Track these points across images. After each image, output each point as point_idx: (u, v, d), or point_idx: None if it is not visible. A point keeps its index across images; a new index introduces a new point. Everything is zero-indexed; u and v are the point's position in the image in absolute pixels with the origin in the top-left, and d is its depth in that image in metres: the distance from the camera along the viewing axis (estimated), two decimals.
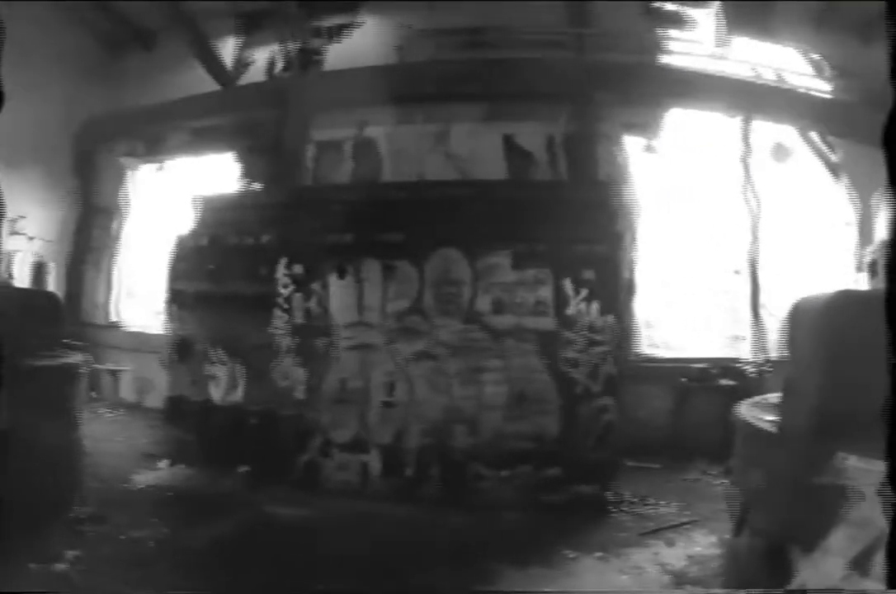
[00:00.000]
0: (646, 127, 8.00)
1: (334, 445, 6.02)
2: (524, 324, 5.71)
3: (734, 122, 8.35)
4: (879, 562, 2.41)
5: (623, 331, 5.72)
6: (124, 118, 9.95)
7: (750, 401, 4.40)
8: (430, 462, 5.78)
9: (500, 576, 4.38)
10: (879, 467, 1.56)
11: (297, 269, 6.24)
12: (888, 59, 1.52)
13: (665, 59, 8.45)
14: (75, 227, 10.27)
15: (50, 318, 5.61)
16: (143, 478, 6.16)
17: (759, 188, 8.25)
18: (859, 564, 2.75)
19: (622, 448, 5.87)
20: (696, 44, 8.52)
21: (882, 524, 2.17)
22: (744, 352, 8.24)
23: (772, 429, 3.66)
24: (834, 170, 8.51)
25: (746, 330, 8.34)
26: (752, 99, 8.22)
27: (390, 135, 8.02)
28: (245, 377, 6.47)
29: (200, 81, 9.30)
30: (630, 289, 5.72)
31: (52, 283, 9.42)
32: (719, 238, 8.49)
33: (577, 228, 5.70)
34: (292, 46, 9.17)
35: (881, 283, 1.61)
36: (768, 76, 8.66)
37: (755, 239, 8.14)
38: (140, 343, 8.74)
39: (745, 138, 8.27)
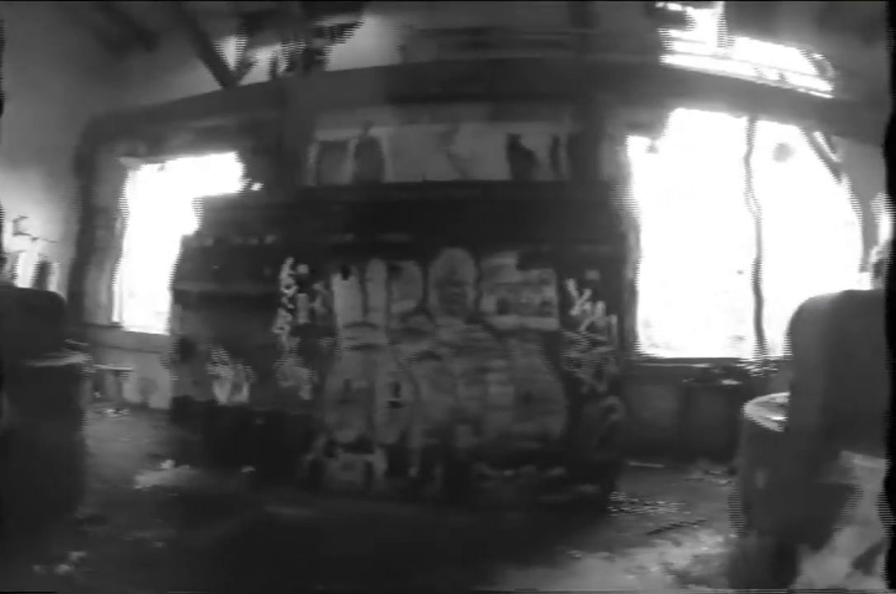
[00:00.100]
0: (649, 127, 8.00)
1: (339, 445, 6.03)
2: (528, 324, 5.71)
3: (737, 122, 8.35)
4: (883, 560, 2.41)
5: (627, 331, 5.72)
6: (127, 118, 9.94)
7: (756, 401, 4.41)
8: (435, 462, 5.78)
9: (503, 576, 4.38)
10: (885, 466, 1.57)
11: (302, 269, 6.24)
12: (889, 60, 1.52)
13: (668, 60, 8.45)
14: (77, 227, 10.27)
15: (53, 319, 5.62)
16: (148, 479, 6.17)
17: (761, 188, 8.25)
18: (864, 563, 2.76)
19: (626, 448, 5.88)
20: (698, 44, 8.51)
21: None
22: (745, 352, 8.25)
23: (778, 428, 3.67)
24: (837, 170, 8.52)
25: (747, 330, 8.35)
26: (755, 99, 8.22)
27: (394, 135, 8.02)
28: (249, 377, 6.47)
29: (203, 82, 9.30)
30: (633, 289, 5.72)
31: (55, 284, 9.43)
32: (721, 238, 8.50)
33: (581, 229, 5.71)
34: (295, 47, 9.16)
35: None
36: (771, 76, 8.66)
37: (758, 239, 8.14)
38: (144, 343, 8.74)
39: (749, 138, 8.27)
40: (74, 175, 10.28)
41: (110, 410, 8.70)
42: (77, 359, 5.55)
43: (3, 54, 1.59)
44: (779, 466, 3.51)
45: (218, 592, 4.08)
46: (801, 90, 8.61)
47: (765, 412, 4.02)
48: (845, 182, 8.42)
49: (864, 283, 7.73)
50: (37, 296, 6.52)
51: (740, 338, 8.40)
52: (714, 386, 7.52)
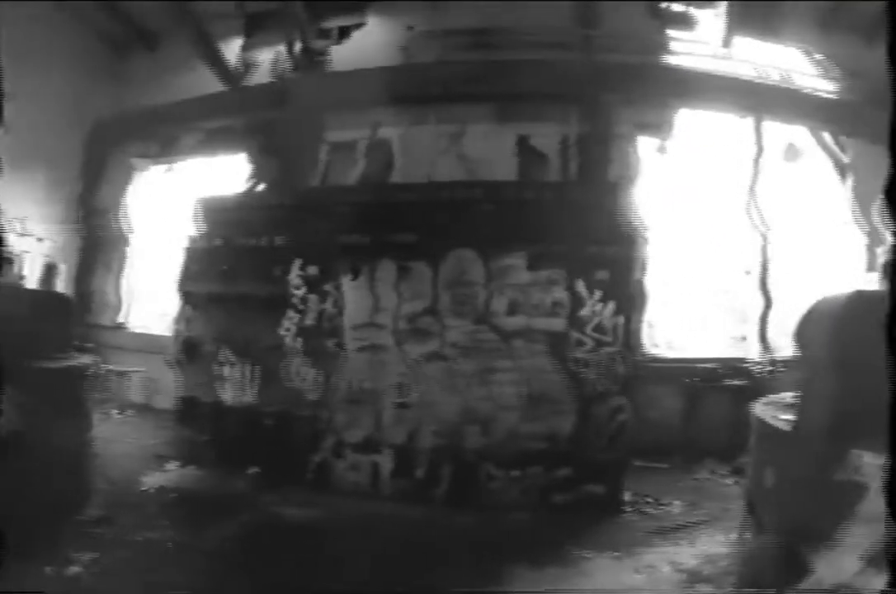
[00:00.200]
0: (657, 127, 8.01)
1: (347, 446, 6.04)
2: (536, 325, 5.72)
3: (744, 123, 8.37)
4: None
5: (635, 331, 5.73)
6: (134, 119, 9.96)
7: (765, 400, 4.42)
8: (442, 462, 5.79)
9: (511, 576, 4.39)
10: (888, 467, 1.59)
11: (312, 270, 6.25)
12: (888, 60, 1.53)
13: (672, 60, 8.46)
14: (83, 228, 10.27)
15: (61, 320, 5.64)
16: (154, 480, 6.15)
17: (770, 188, 8.26)
18: (873, 560, 2.77)
19: (633, 448, 5.88)
20: (703, 44, 8.52)
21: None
22: (748, 352, 8.26)
23: (788, 427, 3.69)
24: (845, 170, 8.53)
25: (750, 330, 8.36)
26: (761, 99, 8.23)
27: (403, 136, 8.03)
28: (257, 378, 6.47)
29: (205, 82, 9.32)
30: (641, 289, 5.73)
31: (61, 284, 9.45)
32: (727, 238, 8.51)
33: (591, 229, 5.72)
34: (297, 47, 9.18)
35: None
36: (777, 77, 8.67)
37: (765, 239, 8.15)
38: (150, 344, 8.73)
39: (757, 139, 8.28)
40: (82, 176, 10.28)
41: (115, 411, 8.71)
42: (84, 360, 5.57)
43: (9, 55, 1.59)
44: (789, 465, 3.53)
45: (225, 593, 4.09)
46: (807, 91, 8.62)
47: (774, 411, 4.04)
48: (853, 182, 8.42)
49: (872, 283, 7.73)
50: (44, 296, 6.53)
51: (744, 339, 8.40)
52: (719, 386, 7.53)
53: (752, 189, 8.20)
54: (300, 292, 6.26)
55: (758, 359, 7.89)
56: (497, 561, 4.56)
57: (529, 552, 4.70)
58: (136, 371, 9.18)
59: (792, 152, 8.55)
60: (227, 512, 5.38)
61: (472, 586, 4.25)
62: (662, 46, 8.48)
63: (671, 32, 8.58)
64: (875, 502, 2.78)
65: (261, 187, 8.20)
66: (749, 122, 8.30)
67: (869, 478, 2.87)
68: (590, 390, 5.67)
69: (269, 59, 9.62)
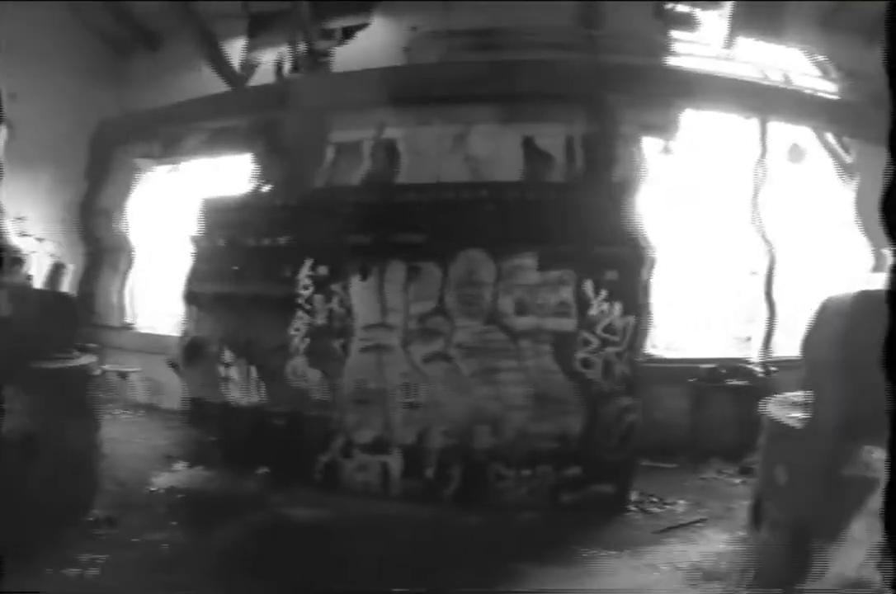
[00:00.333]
0: (662, 128, 8.03)
1: (355, 446, 6.06)
2: (546, 325, 5.74)
3: (749, 124, 8.40)
4: None
5: (641, 331, 5.75)
6: (138, 119, 9.96)
7: (774, 399, 4.46)
8: (452, 462, 5.81)
9: (521, 575, 4.41)
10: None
11: (321, 270, 6.26)
12: (886, 61, 1.55)
13: (677, 61, 8.49)
14: (87, 228, 10.28)
15: (67, 320, 5.66)
16: (162, 481, 6.17)
17: (774, 189, 8.29)
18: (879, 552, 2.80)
19: (640, 447, 5.91)
20: (707, 45, 8.55)
21: None
22: (748, 352, 8.29)
23: (799, 425, 3.73)
24: (849, 170, 8.55)
25: (753, 330, 8.39)
26: (765, 100, 8.26)
27: (408, 136, 8.04)
28: (265, 378, 6.48)
29: (207, 83, 9.32)
30: (646, 290, 5.74)
31: (67, 285, 9.45)
32: (732, 238, 8.54)
33: (598, 230, 5.75)
34: (301, 48, 9.19)
35: None
36: (779, 78, 8.70)
37: (769, 240, 8.17)
38: (156, 345, 8.73)
39: (762, 139, 8.31)
40: (86, 176, 10.29)
41: (122, 411, 8.71)
42: (90, 360, 5.59)
43: (12, 56, 1.60)
44: (800, 462, 3.56)
45: None
46: (811, 91, 8.66)
47: (784, 410, 4.09)
48: (857, 182, 8.45)
49: (878, 283, 7.74)
50: (52, 297, 6.55)
51: (749, 339, 8.42)
52: (724, 386, 7.55)
53: (756, 192, 8.22)
54: (308, 292, 6.28)
55: (763, 360, 7.91)
56: (506, 560, 4.59)
57: (538, 551, 4.73)
58: (143, 371, 9.18)
59: (796, 153, 8.58)
60: (235, 512, 5.39)
61: (481, 586, 4.26)
62: (666, 47, 8.51)
63: (675, 33, 8.60)
64: (882, 496, 2.82)
65: (266, 188, 8.20)
66: (753, 122, 8.32)
67: (879, 474, 2.90)
68: (597, 390, 5.69)
69: (271, 59, 9.64)
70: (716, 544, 4.96)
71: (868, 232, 8.31)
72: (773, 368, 7.71)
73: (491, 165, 7.63)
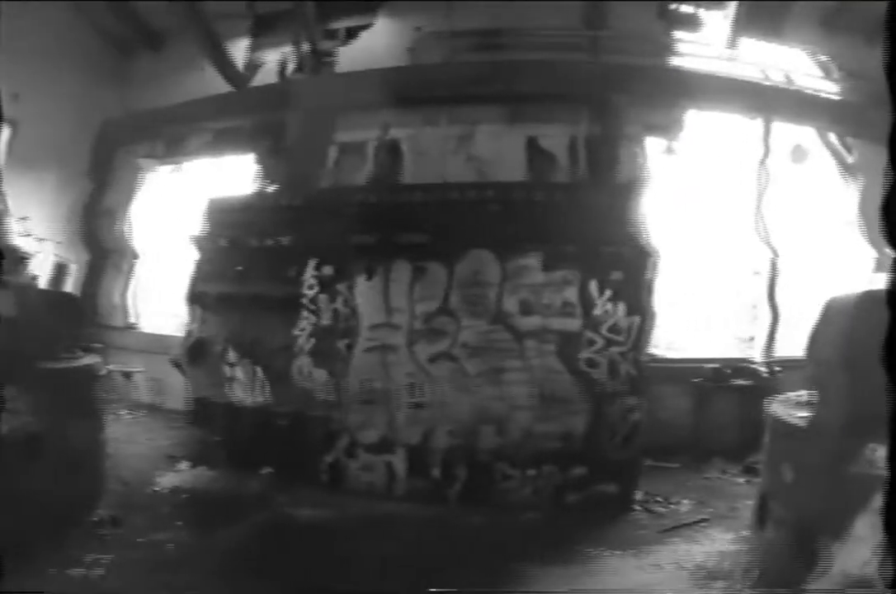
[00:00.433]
0: (666, 128, 8.04)
1: (360, 446, 6.06)
2: (551, 325, 5.75)
3: (752, 124, 8.41)
4: None
5: (646, 331, 5.76)
6: (144, 119, 9.97)
7: (779, 398, 4.47)
8: (457, 462, 5.82)
9: (526, 575, 4.42)
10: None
11: (327, 270, 6.26)
12: (886, 61, 1.56)
13: (680, 61, 8.51)
14: (90, 228, 10.28)
15: (72, 320, 5.67)
16: (166, 481, 6.17)
17: (776, 189, 8.30)
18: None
19: (645, 447, 5.92)
20: (711, 46, 8.56)
21: None
22: (749, 352, 8.30)
23: (804, 424, 3.75)
24: (851, 170, 8.56)
25: (751, 330, 8.39)
26: (769, 101, 8.28)
27: (413, 137, 8.05)
28: (270, 378, 6.48)
29: (209, 83, 9.34)
30: (651, 290, 5.75)
31: (69, 285, 9.47)
32: (735, 239, 8.54)
33: (603, 230, 5.76)
34: (305, 48, 9.20)
35: None
36: (782, 78, 8.71)
37: (772, 239, 8.17)
38: (160, 345, 8.73)
39: (765, 140, 8.31)
40: (89, 176, 10.29)
41: (125, 411, 8.72)
42: (94, 360, 5.59)
43: (16, 56, 1.61)
44: (806, 460, 3.58)
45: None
46: (814, 92, 8.67)
47: (789, 409, 4.10)
48: (860, 182, 8.46)
49: (880, 282, 7.75)
50: (57, 297, 6.57)
51: (752, 339, 8.43)
52: (728, 386, 7.55)
53: (758, 192, 8.23)
54: (312, 292, 6.29)
55: (765, 360, 7.91)
56: (512, 560, 4.59)
57: (543, 551, 4.74)
58: (146, 371, 9.18)
59: (798, 153, 8.59)
60: (240, 513, 5.39)
61: (486, 586, 4.27)
62: (670, 48, 8.52)
63: (678, 34, 8.62)
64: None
65: (272, 188, 8.20)
66: (758, 123, 8.33)
67: (884, 471, 2.91)
68: (602, 390, 5.69)
69: (276, 59, 9.66)
70: (720, 543, 4.97)
71: (870, 232, 8.31)
72: (776, 368, 7.73)
73: (495, 166, 7.64)
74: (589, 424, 5.66)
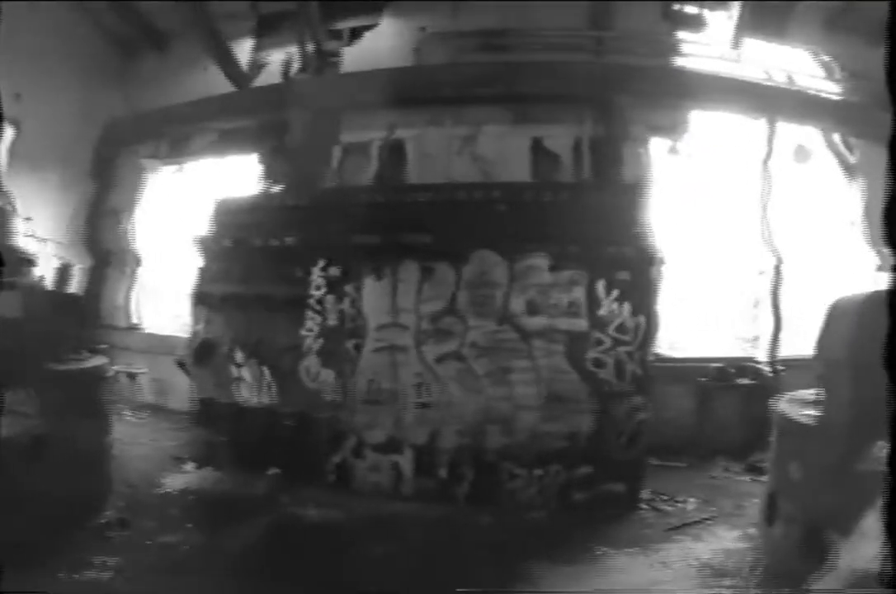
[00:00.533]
0: (670, 129, 8.06)
1: (367, 446, 6.06)
2: (558, 325, 5.76)
3: (756, 124, 8.43)
4: None
5: (652, 331, 5.77)
6: (147, 120, 9.97)
7: (785, 397, 4.49)
8: (464, 462, 5.83)
9: (533, 574, 4.42)
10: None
11: (334, 271, 6.26)
12: (886, 61, 1.57)
13: (685, 62, 8.53)
14: (94, 229, 10.26)
15: (78, 321, 5.67)
16: (172, 482, 6.16)
17: (781, 189, 8.31)
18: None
19: (651, 447, 5.93)
20: (715, 46, 8.57)
21: None
22: (753, 351, 8.31)
23: (812, 422, 3.77)
24: (853, 170, 8.58)
25: (755, 329, 8.41)
26: (772, 101, 8.30)
27: (417, 137, 8.06)
28: (277, 379, 6.48)
29: (211, 83, 9.37)
30: (655, 289, 5.76)
31: (73, 286, 9.45)
32: (737, 238, 8.56)
33: (609, 230, 5.77)
34: (309, 48, 9.20)
35: None
36: (787, 79, 8.73)
37: (776, 239, 8.19)
38: (164, 346, 8.73)
39: (768, 140, 8.33)
40: (92, 177, 10.28)
41: (129, 413, 8.71)
42: (102, 361, 5.59)
43: (20, 56, 1.61)
44: (814, 458, 3.61)
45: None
46: (818, 92, 8.69)
47: (796, 408, 4.13)
48: (862, 182, 8.48)
49: (884, 282, 7.77)
50: (62, 298, 6.56)
51: (755, 338, 8.44)
52: (733, 385, 7.57)
53: (762, 192, 8.24)
54: (319, 293, 6.29)
55: (769, 359, 7.93)
56: (519, 559, 4.60)
57: (550, 550, 4.75)
58: (150, 372, 9.17)
59: (802, 153, 8.60)
60: (247, 513, 5.38)
61: (493, 585, 4.28)
62: (674, 48, 8.54)
63: (682, 34, 8.63)
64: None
65: (277, 188, 8.20)
66: (762, 123, 8.35)
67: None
68: (609, 389, 5.71)
69: (279, 59, 9.66)
70: (726, 541, 4.99)
71: (872, 232, 8.33)
72: (780, 367, 7.75)
73: (499, 166, 7.66)
74: (595, 424, 5.67)
